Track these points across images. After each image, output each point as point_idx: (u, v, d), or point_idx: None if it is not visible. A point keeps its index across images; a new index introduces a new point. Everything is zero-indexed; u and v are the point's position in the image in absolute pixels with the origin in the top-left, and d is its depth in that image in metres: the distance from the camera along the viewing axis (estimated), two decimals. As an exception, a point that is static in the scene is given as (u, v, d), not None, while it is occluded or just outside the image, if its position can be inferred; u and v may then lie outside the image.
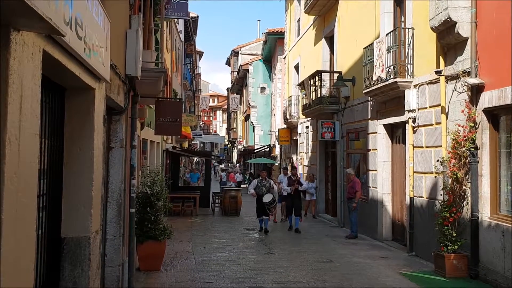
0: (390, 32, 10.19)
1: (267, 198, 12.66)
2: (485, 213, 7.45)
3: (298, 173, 15.63)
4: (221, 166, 40.61)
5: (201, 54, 43.01)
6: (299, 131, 19.77)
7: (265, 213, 12.74)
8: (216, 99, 71.19)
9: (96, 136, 4.15)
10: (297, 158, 20.37)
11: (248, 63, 34.04)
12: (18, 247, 2.43)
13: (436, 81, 8.71)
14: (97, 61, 3.77)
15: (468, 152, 7.65)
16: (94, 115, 4.08)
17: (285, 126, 22.42)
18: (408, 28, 9.84)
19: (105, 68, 4.16)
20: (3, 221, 2.21)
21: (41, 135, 3.15)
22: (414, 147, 9.58)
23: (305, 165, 18.73)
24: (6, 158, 2.23)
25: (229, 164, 41.70)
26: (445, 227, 7.83)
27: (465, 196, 7.84)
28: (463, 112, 7.78)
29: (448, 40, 8.15)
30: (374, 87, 10.59)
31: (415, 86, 9.50)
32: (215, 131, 68.13)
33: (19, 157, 2.40)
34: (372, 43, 10.94)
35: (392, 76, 9.82)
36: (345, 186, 13.17)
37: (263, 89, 33.08)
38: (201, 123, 48.31)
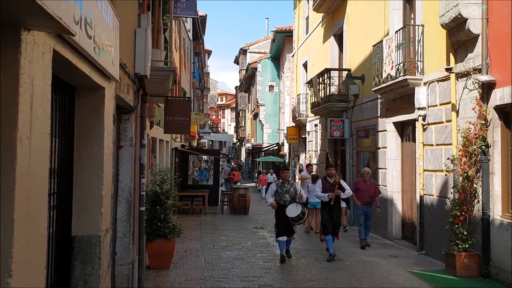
0: (399, 29, 10.11)
1: (293, 211, 8.65)
2: (496, 212, 7.38)
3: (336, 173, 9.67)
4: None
5: (209, 52, 43.06)
6: (307, 129, 19.72)
7: (289, 231, 8.91)
8: (224, 98, 71.22)
9: (106, 135, 4.16)
10: (305, 156, 20.31)
11: (256, 62, 34.03)
12: (29, 246, 2.44)
13: (446, 79, 8.63)
14: (106, 60, 3.78)
15: (479, 150, 7.58)
16: (104, 114, 4.09)
17: (293, 124, 22.36)
18: (418, 25, 9.76)
19: (114, 67, 4.17)
20: (15, 220, 2.22)
21: (52, 134, 3.17)
22: (424, 145, 9.50)
23: (314, 163, 18.67)
24: (17, 158, 2.24)
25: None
26: (456, 226, 7.76)
27: (476, 195, 7.76)
28: (474, 109, 7.71)
29: (459, 37, 8.07)
30: (384, 85, 10.53)
31: (425, 83, 9.43)
32: (223, 130, 68.14)
33: (30, 157, 2.41)
34: (382, 40, 10.87)
35: (401, 74, 9.75)
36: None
37: (271, 87, 33.06)
38: (209, 122, 48.38)
